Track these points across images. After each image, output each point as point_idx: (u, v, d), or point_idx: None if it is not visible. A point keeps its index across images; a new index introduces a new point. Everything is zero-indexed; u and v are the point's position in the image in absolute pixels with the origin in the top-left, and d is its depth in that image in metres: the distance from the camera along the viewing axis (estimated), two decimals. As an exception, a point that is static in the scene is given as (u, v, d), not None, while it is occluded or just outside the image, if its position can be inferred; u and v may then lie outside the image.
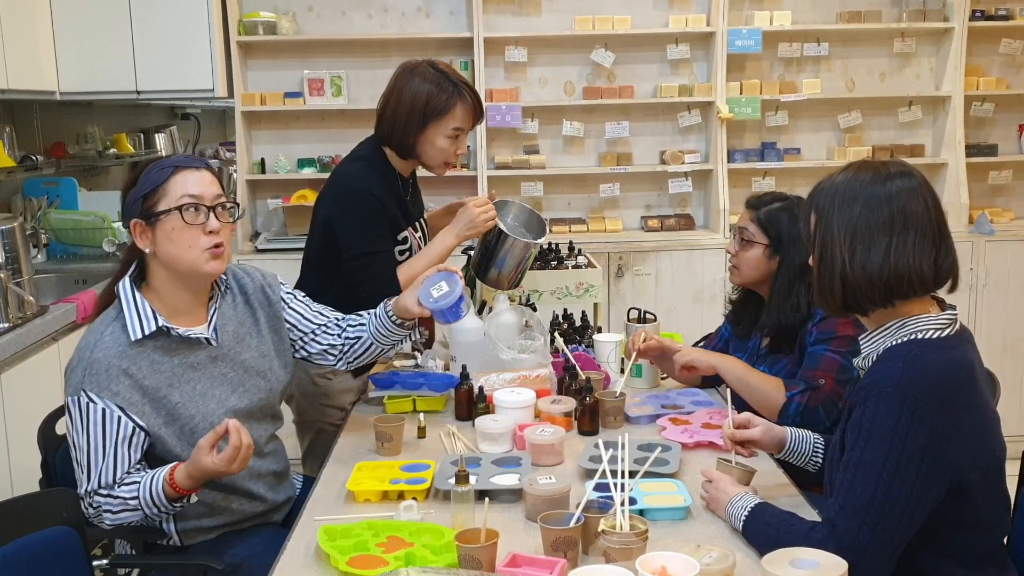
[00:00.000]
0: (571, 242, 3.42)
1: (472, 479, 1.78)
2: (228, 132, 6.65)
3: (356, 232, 2.51)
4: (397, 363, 2.72)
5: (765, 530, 1.64)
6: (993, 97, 4.68)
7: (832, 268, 1.63)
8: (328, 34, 4.52)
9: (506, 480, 1.90)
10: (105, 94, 4.16)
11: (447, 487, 1.84)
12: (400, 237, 2.61)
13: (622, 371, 2.53)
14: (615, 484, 1.63)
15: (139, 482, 1.87)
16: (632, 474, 1.70)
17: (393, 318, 2.21)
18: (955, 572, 1.62)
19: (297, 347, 2.23)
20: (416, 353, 2.77)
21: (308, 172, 4.54)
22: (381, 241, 2.54)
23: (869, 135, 4.78)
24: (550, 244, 3.34)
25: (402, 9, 4.58)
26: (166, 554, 2.03)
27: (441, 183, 4.25)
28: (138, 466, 1.90)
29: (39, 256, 3.93)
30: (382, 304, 2.24)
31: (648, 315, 2.70)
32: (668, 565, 1.41)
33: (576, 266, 3.26)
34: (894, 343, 1.62)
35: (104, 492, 1.87)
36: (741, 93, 4.56)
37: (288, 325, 2.19)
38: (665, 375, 2.65)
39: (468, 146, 4.53)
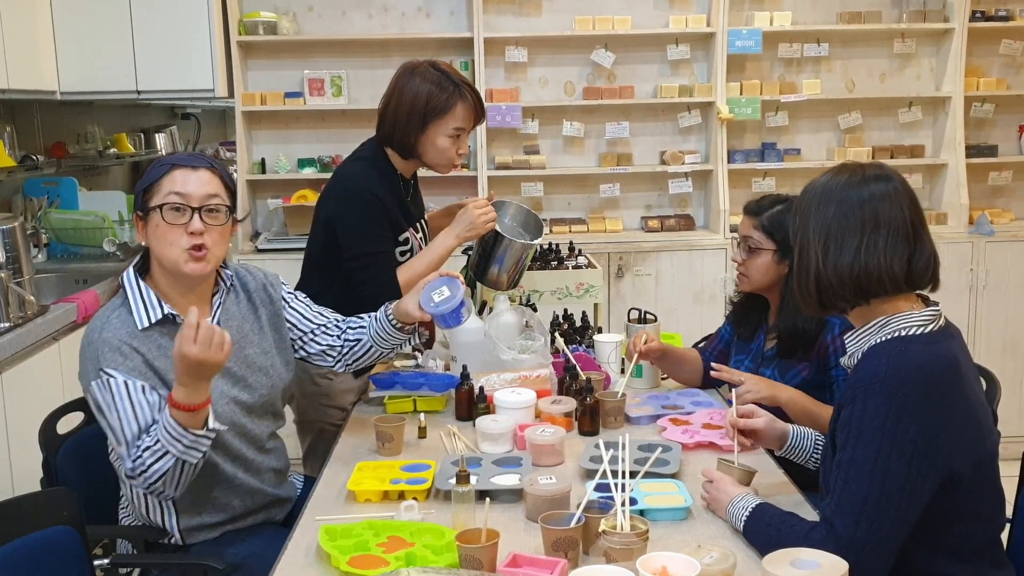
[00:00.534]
0: (571, 242, 3.42)
1: (473, 479, 1.78)
2: (228, 132, 6.65)
3: (357, 232, 2.51)
4: (398, 363, 2.72)
5: (766, 530, 1.64)
6: (993, 98, 4.68)
7: (808, 267, 1.66)
8: (328, 34, 4.52)
9: (507, 480, 1.91)
10: (105, 94, 4.16)
11: (448, 487, 1.84)
12: (401, 238, 2.61)
13: (622, 371, 2.53)
14: (616, 484, 1.63)
15: (156, 426, 1.85)
16: (633, 474, 1.71)
17: (393, 322, 2.22)
18: (950, 567, 1.63)
19: (296, 346, 2.24)
20: (417, 353, 2.77)
21: (308, 172, 4.54)
22: (382, 241, 2.54)
23: (869, 136, 4.78)
24: (550, 244, 3.35)
25: (402, 9, 4.59)
26: (167, 553, 2.03)
27: (441, 183, 4.26)
28: None
29: (39, 256, 3.93)
30: (383, 308, 2.25)
31: (648, 315, 2.70)
32: (669, 565, 1.41)
33: (576, 266, 3.27)
34: (878, 341, 1.64)
35: (135, 456, 1.86)
36: (741, 93, 4.56)
37: (288, 324, 2.21)
38: (666, 375, 2.66)
39: (469, 146, 4.52)
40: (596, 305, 3.28)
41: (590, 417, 2.25)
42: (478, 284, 2.87)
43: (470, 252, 2.86)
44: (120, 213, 4.22)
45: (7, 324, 2.85)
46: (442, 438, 2.25)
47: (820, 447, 1.93)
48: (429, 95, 2.51)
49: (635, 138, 4.70)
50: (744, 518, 1.69)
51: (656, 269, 4.36)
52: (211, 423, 1.86)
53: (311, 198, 4.29)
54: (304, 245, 2.73)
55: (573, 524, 1.58)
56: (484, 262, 2.71)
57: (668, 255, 4.37)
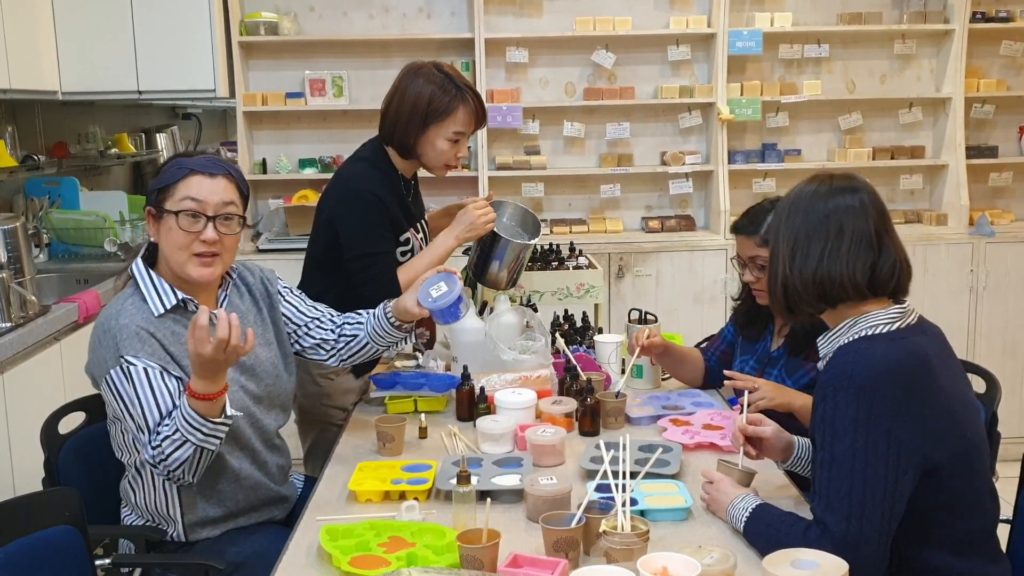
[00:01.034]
0: (572, 243, 3.42)
1: (473, 480, 1.78)
2: (229, 132, 6.65)
3: (359, 232, 2.52)
4: (398, 363, 2.73)
5: (766, 531, 1.65)
6: (993, 99, 4.69)
7: (776, 272, 1.75)
8: (329, 34, 4.53)
9: (507, 481, 1.91)
10: (107, 94, 4.16)
11: (448, 487, 1.84)
12: (402, 238, 2.61)
13: (623, 372, 2.54)
14: (616, 485, 1.63)
15: (172, 415, 1.87)
16: (633, 475, 1.71)
17: (391, 319, 2.23)
18: (943, 560, 1.65)
19: (292, 340, 2.26)
20: (417, 353, 2.78)
21: (309, 172, 4.54)
22: (383, 242, 2.55)
23: (870, 136, 4.78)
24: (551, 245, 3.35)
25: (403, 10, 4.59)
26: (169, 551, 2.04)
27: (442, 184, 4.26)
28: None
29: (41, 256, 3.94)
30: (381, 305, 2.26)
31: (649, 316, 2.71)
32: (669, 566, 1.42)
33: (577, 267, 3.27)
34: (847, 341, 1.68)
35: (157, 431, 1.87)
36: (742, 94, 4.56)
37: (284, 318, 2.24)
38: (667, 376, 2.66)
39: (469, 147, 4.53)
40: (596, 305, 3.29)
41: (591, 417, 2.25)
42: (478, 285, 2.87)
43: (469, 252, 2.87)
44: (121, 213, 4.22)
45: (9, 324, 2.85)
46: (443, 438, 2.25)
47: None
48: (431, 97, 2.51)
49: (636, 139, 4.70)
50: (744, 519, 1.70)
51: (656, 270, 4.36)
52: (228, 410, 1.88)
53: (312, 198, 4.29)
54: (305, 245, 2.74)
55: (574, 524, 1.58)
56: (483, 262, 2.71)
57: (668, 256, 4.37)
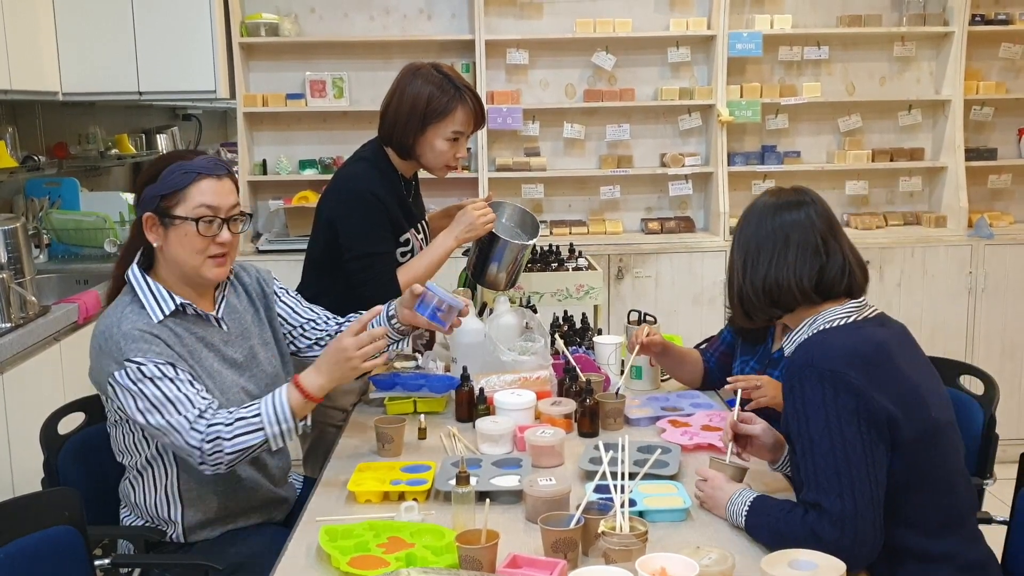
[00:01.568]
0: (571, 244, 3.42)
1: (472, 480, 1.79)
2: (229, 133, 6.66)
3: (359, 233, 2.52)
4: (398, 364, 2.72)
5: (767, 521, 1.68)
6: (993, 101, 4.69)
7: (732, 281, 1.88)
8: (330, 36, 4.53)
9: (506, 481, 1.91)
10: (107, 95, 4.17)
11: (448, 488, 1.84)
12: (402, 239, 2.62)
13: (622, 373, 2.54)
14: (615, 486, 1.64)
15: (257, 402, 1.91)
16: (632, 476, 1.71)
17: (395, 323, 2.24)
18: (917, 542, 1.68)
19: (287, 340, 2.28)
20: (417, 355, 2.78)
21: (309, 173, 4.55)
22: (383, 242, 2.55)
23: (869, 139, 4.79)
24: (550, 246, 3.35)
25: (404, 11, 4.60)
26: (168, 552, 2.04)
27: (442, 185, 4.26)
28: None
29: (41, 256, 3.94)
30: (385, 307, 2.26)
31: (648, 317, 2.71)
32: (668, 566, 1.42)
33: (576, 268, 3.27)
34: (806, 337, 1.77)
35: (210, 416, 1.87)
36: (741, 96, 4.56)
37: (280, 318, 2.25)
38: (666, 376, 2.66)
39: (469, 148, 4.54)
40: (596, 307, 3.29)
41: (590, 419, 2.26)
42: (478, 286, 2.87)
43: (468, 254, 2.87)
44: (121, 214, 4.23)
45: (9, 324, 2.85)
46: (442, 439, 2.25)
47: None
48: (430, 97, 2.52)
49: (635, 140, 4.71)
50: (744, 513, 1.71)
51: (656, 271, 4.36)
52: (308, 420, 1.93)
53: (312, 199, 4.30)
54: (305, 246, 2.74)
55: (572, 525, 1.59)
56: (481, 263, 2.72)
57: (668, 257, 4.38)
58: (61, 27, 3.97)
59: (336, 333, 2.29)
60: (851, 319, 1.77)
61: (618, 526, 1.56)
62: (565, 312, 2.99)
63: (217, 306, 2.08)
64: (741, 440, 1.96)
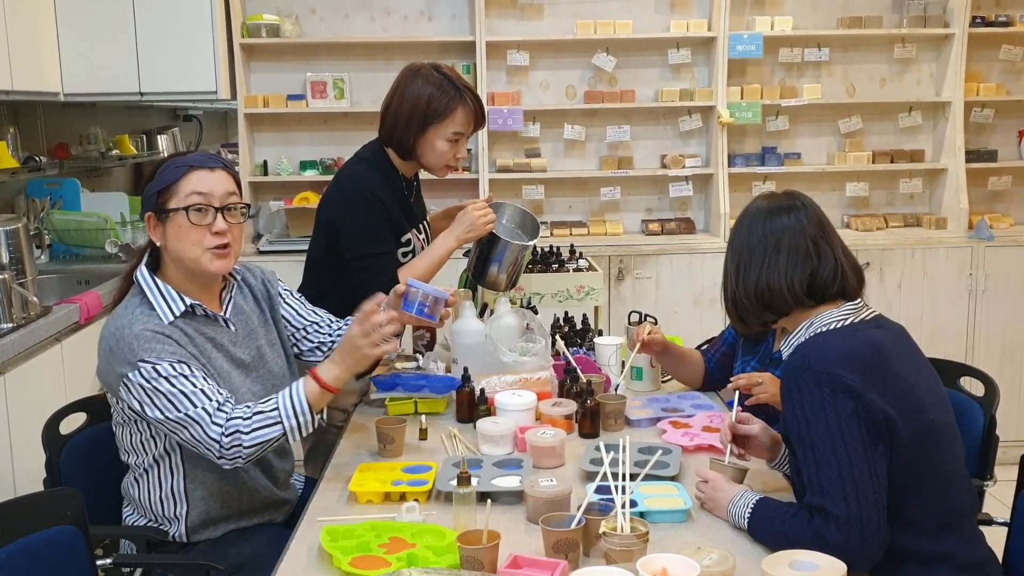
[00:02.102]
0: (572, 245, 3.43)
1: (474, 481, 1.79)
2: (230, 134, 6.66)
3: (359, 233, 2.53)
4: (399, 365, 2.73)
5: (771, 524, 1.68)
6: (993, 103, 4.69)
7: (726, 286, 1.89)
8: (331, 37, 4.54)
9: (507, 482, 1.92)
10: (108, 95, 4.17)
11: (449, 489, 1.85)
12: (403, 239, 2.62)
13: (623, 369, 2.54)
14: (616, 486, 1.64)
15: (274, 396, 1.91)
16: (633, 476, 1.72)
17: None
18: (916, 542, 1.68)
19: (291, 343, 2.28)
20: (418, 355, 2.78)
21: (310, 174, 4.55)
22: (384, 243, 2.56)
23: (869, 140, 4.79)
24: (551, 247, 3.36)
25: (404, 12, 4.60)
26: (170, 552, 2.04)
27: (443, 185, 4.27)
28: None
29: (42, 257, 3.94)
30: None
31: (649, 318, 2.71)
32: (668, 567, 1.42)
33: (577, 269, 3.27)
34: (803, 339, 1.78)
35: (227, 410, 1.87)
36: (742, 98, 4.57)
37: (284, 320, 2.25)
38: (667, 377, 2.67)
39: (470, 149, 4.54)
40: (596, 308, 3.29)
41: (590, 419, 2.26)
42: (479, 287, 2.87)
43: (469, 254, 2.88)
44: (122, 215, 4.23)
45: (10, 325, 2.86)
46: (443, 440, 2.26)
47: None
48: (430, 98, 2.52)
49: (636, 142, 4.71)
50: (747, 516, 1.71)
51: (656, 272, 4.37)
52: (324, 413, 1.94)
53: (313, 200, 4.30)
54: (306, 247, 2.74)
55: (573, 526, 1.59)
56: (482, 264, 2.72)
57: (668, 258, 4.38)
58: (62, 28, 3.97)
59: (338, 338, 2.30)
60: (847, 321, 1.77)
61: (619, 527, 1.57)
62: (566, 313, 2.99)
63: (224, 307, 2.08)
64: (739, 440, 1.97)
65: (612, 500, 1.63)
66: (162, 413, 1.88)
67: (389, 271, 2.54)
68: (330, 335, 2.30)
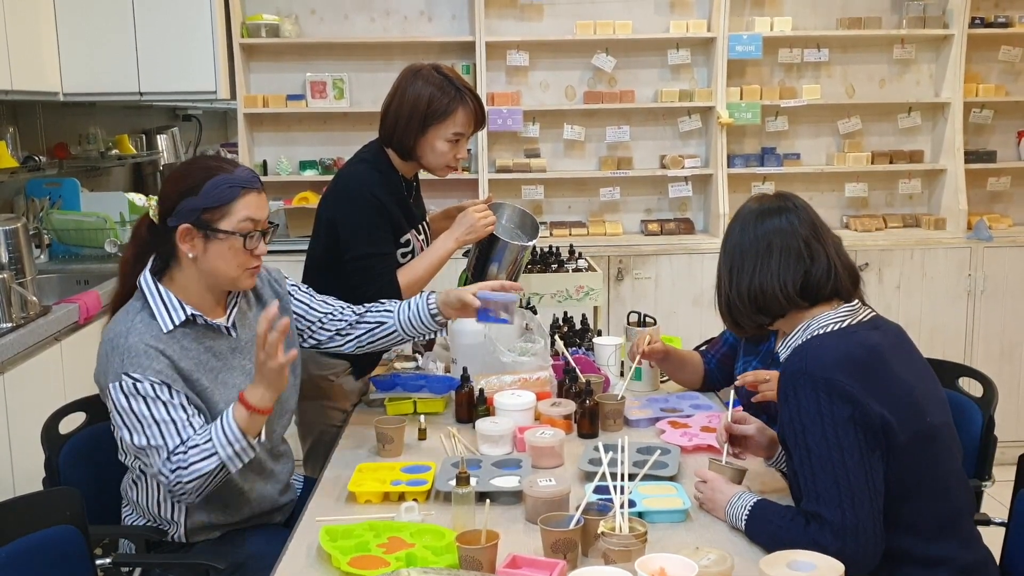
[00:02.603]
0: (571, 245, 3.43)
1: (472, 481, 1.79)
2: (230, 133, 6.66)
3: (359, 233, 2.53)
4: (398, 365, 2.74)
5: (767, 527, 1.68)
6: (992, 104, 4.70)
7: (720, 290, 1.87)
8: (330, 37, 4.54)
9: (506, 482, 1.92)
10: (108, 95, 4.17)
11: (448, 489, 1.85)
12: (403, 239, 2.62)
13: (621, 374, 2.54)
14: (614, 487, 1.64)
15: (207, 427, 1.90)
16: (631, 477, 1.72)
17: (433, 310, 2.29)
18: (913, 545, 1.68)
19: (305, 336, 2.29)
20: (417, 355, 2.79)
21: (310, 174, 4.55)
22: (383, 243, 2.56)
23: (869, 141, 4.80)
24: (550, 247, 3.36)
25: (404, 13, 4.60)
26: (169, 552, 2.04)
27: (442, 186, 4.27)
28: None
29: (41, 256, 3.94)
30: (423, 295, 2.32)
31: (648, 318, 2.72)
32: (667, 567, 1.42)
33: (576, 269, 3.28)
34: (800, 343, 1.76)
35: (178, 452, 1.87)
36: (741, 98, 4.57)
37: (296, 316, 2.25)
38: (665, 378, 2.67)
39: (469, 149, 4.54)
40: (596, 308, 3.29)
41: (589, 419, 2.26)
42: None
43: (468, 255, 2.88)
44: (121, 214, 4.23)
45: (9, 324, 2.86)
46: (442, 440, 2.26)
47: None
48: (431, 98, 2.52)
49: (635, 142, 4.72)
50: (745, 517, 1.71)
51: (656, 272, 4.37)
52: (263, 436, 1.92)
53: (312, 200, 4.30)
54: (306, 247, 2.74)
55: (572, 526, 1.59)
56: (481, 264, 2.72)
57: (668, 259, 4.38)
58: (62, 28, 3.97)
59: (355, 322, 2.32)
60: (844, 323, 1.76)
61: (617, 527, 1.57)
62: (565, 313, 2.99)
63: (229, 312, 2.06)
64: (736, 440, 1.97)
65: (611, 500, 1.63)
66: (128, 433, 1.89)
67: (389, 272, 2.54)
68: (346, 320, 2.31)
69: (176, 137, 5.62)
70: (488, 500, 1.68)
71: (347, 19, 4.59)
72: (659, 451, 2.02)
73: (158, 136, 5.37)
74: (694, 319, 4.34)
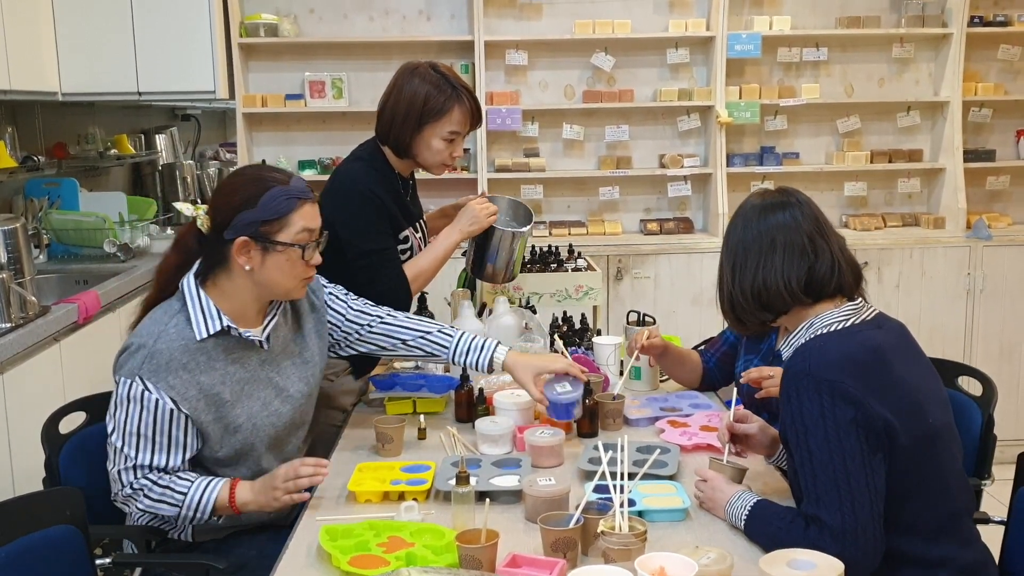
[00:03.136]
0: (571, 245, 3.43)
1: (472, 480, 1.79)
2: (228, 133, 6.66)
3: (361, 232, 2.52)
4: (397, 365, 2.73)
5: (767, 528, 1.68)
6: (991, 103, 4.70)
7: (722, 287, 1.86)
8: (329, 36, 4.54)
9: (506, 481, 1.92)
10: (107, 95, 4.17)
11: (447, 488, 1.85)
12: (401, 236, 2.63)
13: (621, 374, 2.54)
14: (614, 486, 1.64)
15: (192, 481, 1.93)
16: (631, 476, 1.72)
17: (492, 365, 2.24)
18: (914, 546, 1.68)
19: (342, 346, 2.29)
20: (416, 355, 2.78)
21: (309, 174, 4.55)
22: (385, 238, 2.56)
23: (868, 140, 4.80)
24: (550, 247, 3.36)
25: (403, 12, 4.60)
26: (176, 549, 2.05)
27: (441, 185, 4.28)
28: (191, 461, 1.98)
29: (40, 256, 3.94)
30: (492, 350, 2.24)
31: (647, 318, 2.71)
32: (667, 566, 1.42)
33: (576, 269, 3.27)
34: (803, 342, 1.75)
35: (156, 475, 1.92)
36: (740, 97, 4.57)
37: (331, 326, 2.25)
38: (665, 377, 2.67)
39: (468, 149, 4.55)
40: (595, 307, 3.29)
41: (589, 419, 2.26)
42: (479, 285, 2.87)
43: (466, 253, 2.88)
44: (120, 214, 4.23)
45: (8, 324, 2.85)
46: (442, 439, 2.26)
47: None
48: (427, 96, 2.52)
49: (634, 141, 4.72)
50: (744, 517, 1.71)
51: (655, 272, 4.37)
52: (221, 520, 1.98)
53: (311, 200, 4.29)
54: (305, 247, 2.74)
55: (572, 525, 1.59)
56: (479, 257, 2.72)
57: (667, 258, 4.38)
58: (60, 27, 3.97)
59: (417, 346, 2.28)
60: (848, 322, 1.74)
61: (617, 526, 1.57)
62: (564, 313, 2.99)
63: (266, 324, 2.05)
64: (738, 438, 1.97)
65: (610, 499, 1.63)
66: (110, 427, 1.93)
67: (395, 266, 2.54)
68: (385, 335, 2.29)
69: (175, 137, 5.61)
70: (488, 499, 1.68)
71: (346, 18, 4.59)
72: (659, 450, 2.02)
73: (157, 136, 5.36)
74: (693, 318, 4.34)
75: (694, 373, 2.58)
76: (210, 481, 1.94)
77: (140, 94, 4.16)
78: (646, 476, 1.81)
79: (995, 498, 2.44)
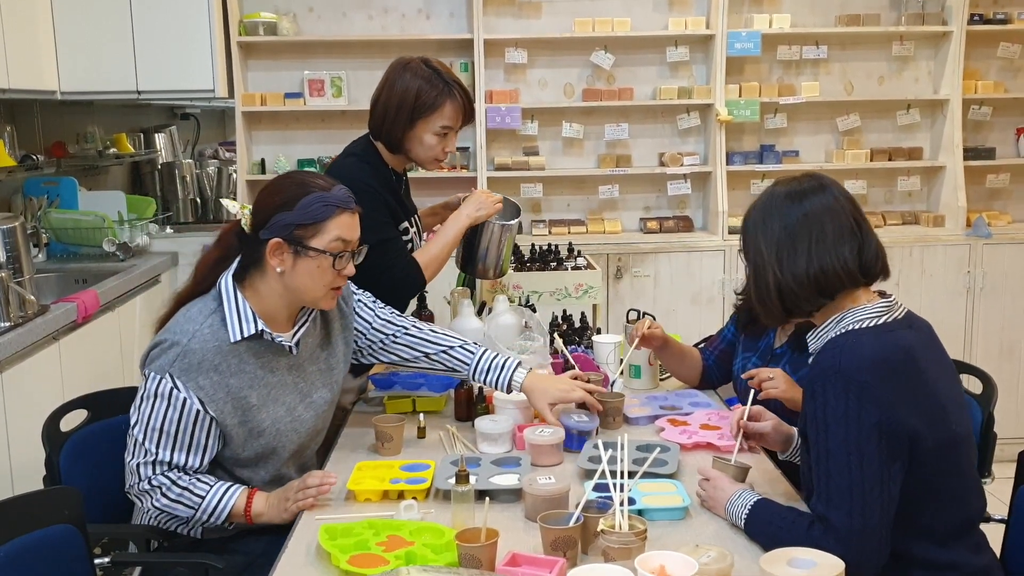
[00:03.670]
0: (570, 243, 3.43)
1: (472, 479, 1.79)
2: (228, 132, 6.65)
3: (365, 224, 2.51)
4: (397, 363, 2.73)
5: (767, 528, 1.67)
6: (991, 101, 4.70)
7: (766, 281, 1.75)
8: (328, 35, 4.53)
9: (506, 480, 1.92)
10: (106, 94, 4.17)
11: (447, 487, 1.85)
12: (401, 228, 2.62)
13: (621, 373, 2.54)
14: (614, 484, 1.64)
15: (211, 486, 1.94)
16: (631, 474, 1.72)
17: (512, 388, 2.22)
18: (925, 551, 1.67)
19: (365, 354, 2.27)
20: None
21: (308, 173, 4.54)
22: (389, 228, 2.55)
23: (867, 138, 4.80)
24: (549, 245, 3.36)
25: (402, 10, 4.60)
26: (183, 545, 2.05)
27: (440, 184, 4.28)
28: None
29: (39, 255, 3.94)
30: (511, 367, 2.22)
31: (647, 316, 2.71)
32: (667, 564, 1.42)
33: (575, 267, 3.28)
34: (834, 335, 1.71)
35: (175, 474, 1.92)
36: (740, 96, 4.57)
37: (356, 333, 2.24)
38: (665, 375, 2.67)
39: (467, 147, 4.54)
40: (595, 306, 3.29)
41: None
42: (478, 284, 2.87)
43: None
44: (120, 213, 4.23)
45: (8, 323, 2.85)
46: (441, 438, 2.26)
47: None
48: (419, 91, 2.52)
49: (634, 140, 4.71)
50: (744, 516, 1.71)
51: (655, 270, 4.37)
52: (232, 526, 1.99)
53: (311, 198, 4.29)
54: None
55: (572, 523, 1.59)
56: (469, 254, 2.72)
57: (667, 256, 4.38)
58: (59, 26, 3.96)
59: (439, 360, 2.25)
60: (880, 320, 1.69)
61: (617, 524, 1.57)
62: (564, 311, 2.99)
63: (296, 330, 2.05)
64: (751, 434, 1.96)
65: (610, 498, 1.63)
66: (134, 418, 1.93)
67: (404, 253, 2.55)
68: (411, 347, 2.25)
69: (174, 136, 5.61)
70: (488, 498, 1.67)
71: (345, 17, 4.58)
72: (658, 449, 2.02)
73: (156, 135, 5.36)
74: (693, 317, 4.34)
75: (694, 370, 2.57)
76: (228, 487, 1.94)
77: (139, 93, 4.16)
78: (646, 475, 1.80)
79: (995, 496, 2.43)
